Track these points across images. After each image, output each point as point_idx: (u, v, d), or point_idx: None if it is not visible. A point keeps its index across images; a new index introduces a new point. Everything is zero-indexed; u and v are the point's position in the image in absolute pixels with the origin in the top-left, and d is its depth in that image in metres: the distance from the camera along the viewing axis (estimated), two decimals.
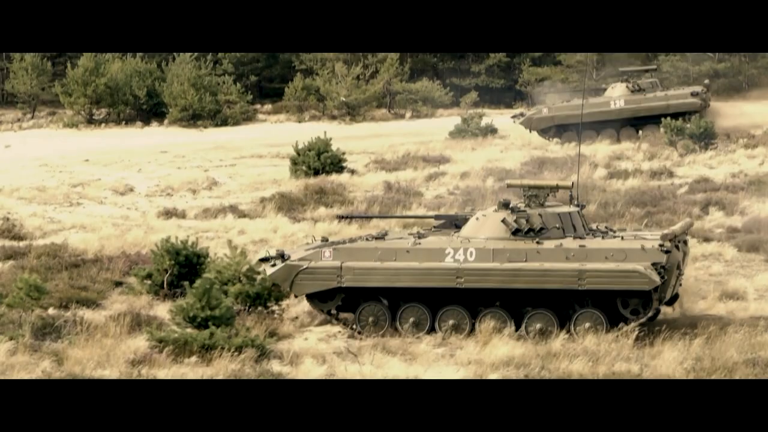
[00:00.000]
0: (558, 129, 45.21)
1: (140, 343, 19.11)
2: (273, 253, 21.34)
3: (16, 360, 18.23)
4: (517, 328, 20.11)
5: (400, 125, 57.81)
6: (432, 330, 20.47)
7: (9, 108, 67.85)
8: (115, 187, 40.43)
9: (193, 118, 59.38)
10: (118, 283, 25.14)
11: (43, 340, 19.52)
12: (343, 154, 40.14)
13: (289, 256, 20.94)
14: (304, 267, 20.68)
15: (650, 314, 19.80)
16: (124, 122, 60.96)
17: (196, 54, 61.02)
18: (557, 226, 20.23)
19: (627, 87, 44.76)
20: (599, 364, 17.42)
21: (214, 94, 59.68)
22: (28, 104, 64.22)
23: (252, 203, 34.73)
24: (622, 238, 20.24)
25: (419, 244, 20.55)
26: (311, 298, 21.12)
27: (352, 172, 39.88)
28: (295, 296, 21.61)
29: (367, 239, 21.31)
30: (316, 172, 38.89)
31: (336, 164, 39.35)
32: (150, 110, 61.85)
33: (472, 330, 20.33)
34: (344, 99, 58.53)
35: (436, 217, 22.98)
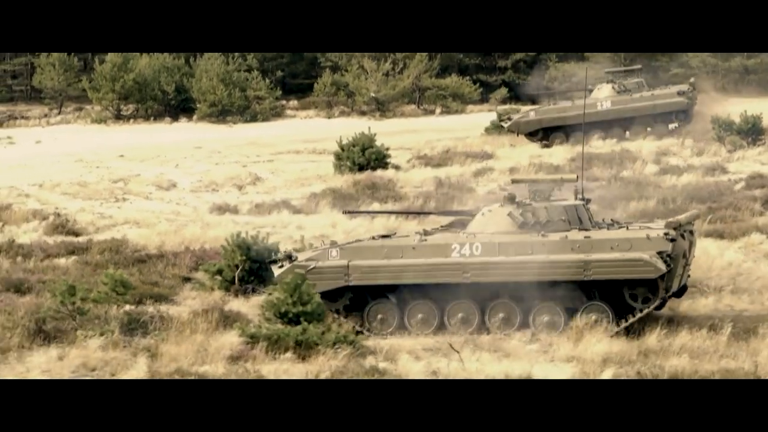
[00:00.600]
0: (545, 132, 44.97)
1: (231, 339, 18.94)
2: (281, 255, 21.54)
3: (109, 356, 18.10)
4: (524, 321, 20.23)
5: (430, 121, 57.63)
6: (441, 326, 20.52)
7: (34, 103, 67.74)
8: (158, 183, 40.35)
9: (222, 113, 59.19)
10: (186, 279, 25.02)
11: (131, 336, 19.37)
12: (387, 149, 39.97)
13: (296, 257, 21.04)
14: (312, 267, 20.72)
15: (657, 303, 19.82)
16: (152, 118, 60.75)
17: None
18: (563, 218, 20.42)
19: (613, 88, 44.49)
20: (703, 361, 17.26)
21: (243, 89, 59.47)
22: (55, 100, 64.02)
23: (302, 199, 34.58)
24: (627, 228, 20.37)
25: (425, 241, 20.63)
26: (319, 297, 20.79)
27: (396, 167, 39.73)
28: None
29: (373, 238, 21.45)
30: (361, 168, 38.73)
31: (380, 160, 39.23)
32: (178, 106, 61.66)
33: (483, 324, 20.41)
34: (374, 95, 58.35)
35: (443, 214, 23.21)
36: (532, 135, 45.37)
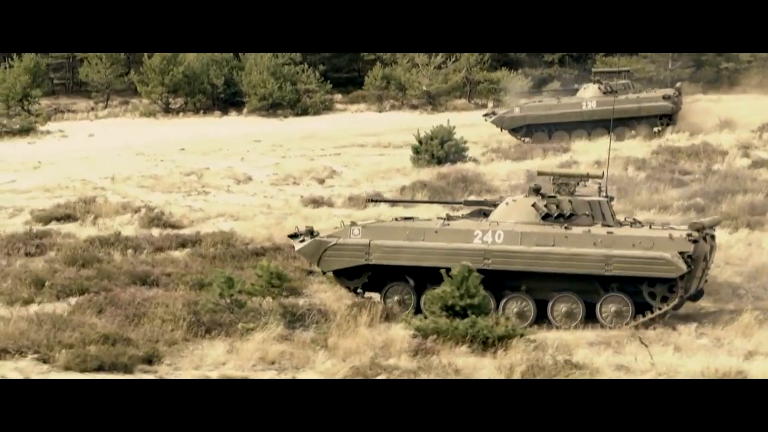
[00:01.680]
0: (529, 128, 44.85)
1: (396, 332, 18.69)
2: (302, 229, 21.85)
3: (285, 350, 17.83)
4: (541, 313, 20.43)
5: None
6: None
7: (75, 97, 67.39)
8: (233, 176, 40.07)
9: (272, 107, 58.88)
10: (308, 272, 24.75)
11: (292, 329, 19.12)
12: (465, 142, 39.70)
13: (318, 233, 21.41)
14: (333, 243, 21.11)
15: (675, 303, 19.94)
16: (201, 112, 60.42)
17: None
18: (587, 213, 20.59)
19: (599, 88, 44.43)
20: None
21: (294, 83, 59.15)
22: (102, 93, 63.66)
23: (391, 192, 34.29)
24: (651, 227, 20.57)
25: (448, 225, 20.88)
26: (338, 274, 21.47)
27: (475, 161, 39.47)
28: (323, 273, 21.95)
29: (396, 220, 21.76)
30: (439, 161, 38.46)
31: (459, 153, 38.95)
32: (226, 99, 61.35)
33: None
34: (426, 88, 58.03)
35: (466, 203, 23.39)
36: (515, 131, 45.34)
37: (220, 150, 47.89)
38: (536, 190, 21.00)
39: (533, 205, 20.69)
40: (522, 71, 60.57)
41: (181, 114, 60.51)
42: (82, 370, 16.54)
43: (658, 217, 27.98)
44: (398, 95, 59.80)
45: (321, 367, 16.62)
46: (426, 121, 50.64)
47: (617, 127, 43.01)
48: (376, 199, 26.71)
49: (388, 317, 19.86)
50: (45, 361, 16.93)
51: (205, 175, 40.97)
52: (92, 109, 63.23)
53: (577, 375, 15.76)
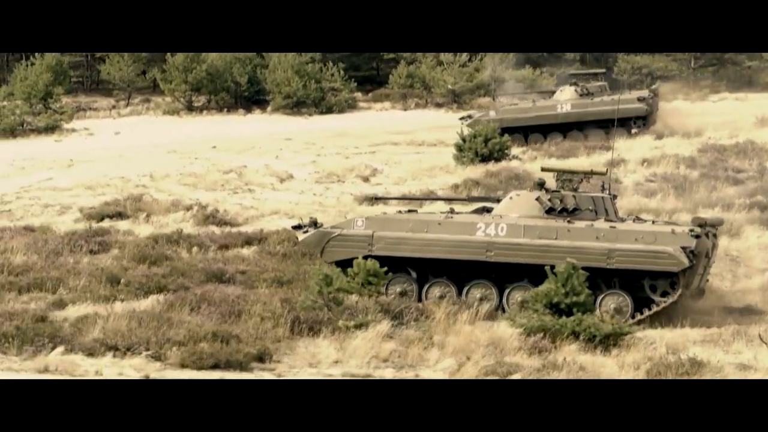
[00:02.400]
0: (504, 131, 44.62)
1: (502, 330, 18.54)
2: (306, 221, 22.19)
3: (397, 348, 17.64)
4: None
5: None
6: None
7: (94, 95, 67.14)
8: (275, 174, 39.88)
9: (297, 105, 58.67)
10: None
11: (393, 327, 18.94)
12: (508, 141, 39.55)
13: (321, 224, 21.72)
14: (336, 234, 21.38)
15: (675, 298, 20.02)
16: (225, 110, 60.18)
17: None
18: (590, 208, 20.82)
19: (575, 91, 44.33)
20: None
21: (318, 81, 58.95)
22: (124, 91, 63.38)
23: (443, 190, 34.12)
24: (653, 223, 20.85)
25: (451, 217, 21.05)
26: (341, 265, 21.45)
27: (518, 159, 39.33)
28: (326, 263, 21.93)
29: (399, 212, 22.04)
30: (483, 159, 38.31)
31: (502, 151, 38.81)
32: (249, 98, 61.13)
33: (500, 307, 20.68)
34: (451, 87, 57.88)
35: (470, 200, 23.59)
36: None
37: (252, 148, 47.68)
38: (540, 185, 21.29)
39: (537, 199, 20.93)
40: (547, 70, 60.46)
41: (204, 112, 60.20)
42: (199, 368, 16.37)
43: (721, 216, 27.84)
44: (423, 94, 59.61)
45: (440, 366, 16.43)
46: (453, 120, 50.55)
47: (593, 129, 43.03)
48: (380, 197, 26.82)
49: (488, 316, 19.58)
50: (158, 359, 16.72)
51: (245, 172, 40.77)
52: (114, 107, 62.96)
53: (704, 374, 15.60)
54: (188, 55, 59.44)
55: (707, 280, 21.20)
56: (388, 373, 16.26)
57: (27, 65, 60.49)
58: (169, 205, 33.11)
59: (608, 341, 17.65)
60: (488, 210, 21.80)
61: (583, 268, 19.66)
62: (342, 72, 59.82)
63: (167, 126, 57.43)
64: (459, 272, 20.88)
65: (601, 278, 20.23)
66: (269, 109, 59.74)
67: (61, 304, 21.01)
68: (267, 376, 16.19)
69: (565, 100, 44.22)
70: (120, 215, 32.25)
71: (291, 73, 58.44)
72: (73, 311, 20.38)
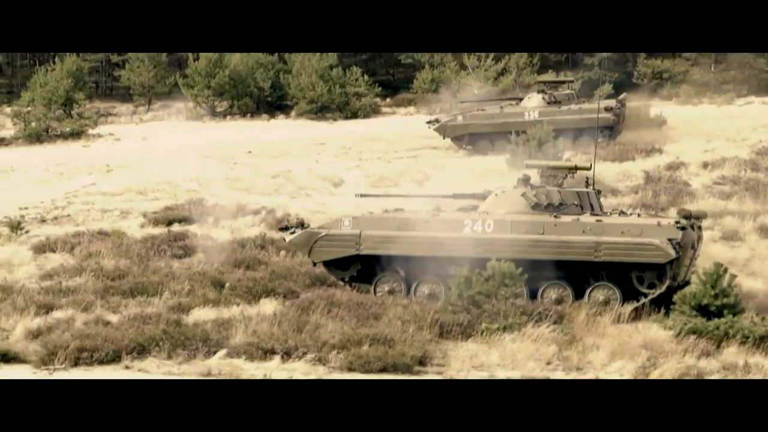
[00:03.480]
0: (471, 137, 44.72)
1: (654, 333, 18.32)
2: (293, 222, 22.45)
3: (549, 350, 17.43)
4: (533, 297, 20.54)
5: None
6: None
7: (110, 99, 66.64)
8: (326, 178, 39.59)
9: (321, 110, 58.35)
10: None
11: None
12: (560, 142, 39.30)
13: (308, 224, 21.80)
14: (324, 234, 21.50)
15: (663, 290, 20.12)
16: (248, 115, 59.81)
17: None
18: (575, 203, 21.00)
19: (543, 98, 44.19)
20: None
21: (342, 86, 58.68)
22: (144, 96, 62.90)
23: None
24: (639, 216, 21.16)
25: (438, 215, 21.22)
26: (329, 265, 21.76)
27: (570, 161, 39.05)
28: (314, 263, 22.15)
29: (386, 211, 22.13)
30: None
31: (556, 155, 38.54)
32: (272, 103, 60.81)
33: None
34: (476, 92, 57.64)
35: (455, 196, 23.53)
36: (458, 139, 45.10)
37: (288, 153, 47.38)
38: (525, 181, 21.38)
39: (523, 195, 21.04)
40: (569, 73, 60.41)
41: (228, 117, 59.79)
42: (366, 371, 16.11)
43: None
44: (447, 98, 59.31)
45: (611, 368, 16.21)
46: None
47: (559, 138, 42.84)
48: (365, 194, 26.86)
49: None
50: (321, 362, 16.44)
51: (292, 177, 40.46)
52: (134, 112, 62.47)
53: None
54: (210, 60, 59.09)
55: (693, 272, 21.20)
56: (557, 375, 16.00)
57: (46, 70, 59.97)
58: (234, 209, 32.72)
59: (763, 343, 17.45)
60: (476, 207, 21.97)
61: (571, 262, 20.11)
62: (366, 77, 59.49)
63: (192, 131, 56.98)
64: (447, 269, 20.81)
65: (588, 271, 20.44)
66: (293, 114, 59.40)
67: (181, 309, 20.69)
68: (433, 377, 15.92)
69: (532, 108, 44.04)
70: (186, 220, 31.86)
71: (315, 78, 58.15)
72: (200, 315, 20.09)
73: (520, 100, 45.98)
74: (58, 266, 25.19)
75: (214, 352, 16.84)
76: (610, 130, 43.49)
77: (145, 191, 38.46)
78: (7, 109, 58.49)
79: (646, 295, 20.16)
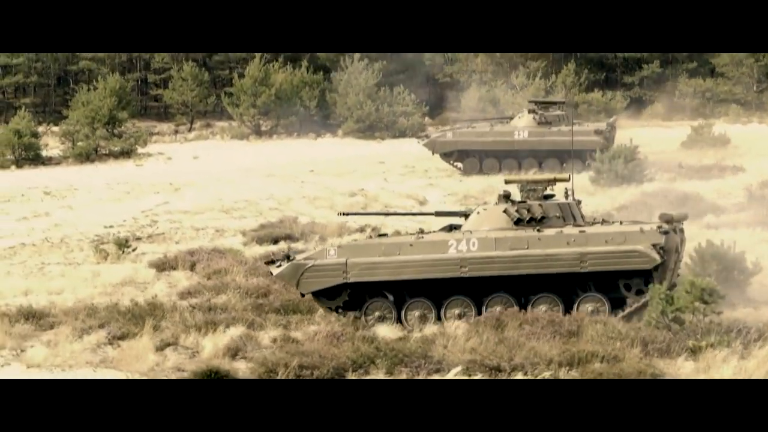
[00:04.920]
0: (460, 154, 44.48)
1: None
2: (279, 255, 22.50)
3: None
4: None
5: None
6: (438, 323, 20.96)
7: (144, 119, 66.10)
8: (409, 196, 39.23)
9: (369, 129, 58.05)
10: None
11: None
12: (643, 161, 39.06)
13: (294, 256, 21.74)
14: (310, 265, 21.33)
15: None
16: (295, 133, 59.44)
17: (365, 63, 59.71)
18: (558, 215, 21.05)
19: (534, 118, 43.67)
20: None
21: (390, 105, 58.41)
22: (186, 115, 62.48)
23: (608, 210, 33.47)
24: (621, 223, 21.34)
25: (422, 238, 21.22)
26: (317, 295, 21.61)
27: (649, 179, 38.78)
28: (302, 295, 21.98)
29: (370, 237, 22.25)
30: (623, 181, 37.82)
31: (641, 172, 38.36)
32: (317, 121, 60.49)
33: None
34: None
35: (437, 214, 23.66)
36: (447, 156, 44.86)
37: (354, 171, 47.01)
38: (506, 197, 21.44)
39: (505, 211, 21.07)
40: (620, 92, 60.41)
41: (274, 136, 59.40)
42: None
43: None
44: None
45: None
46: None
47: (548, 159, 42.65)
48: (347, 213, 26.60)
49: None
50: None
51: (370, 195, 40.08)
52: (176, 131, 62.04)
53: None
54: (256, 78, 58.76)
55: (678, 275, 21.32)
56: None
57: (88, 89, 59.53)
58: (334, 227, 32.29)
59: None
60: (454, 227, 22.07)
61: (557, 274, 20.20)
62: (413, 96, 59.23)
63: (241, 150, 56.64)
64: (435, 291, 21.04)
65: (576, 283, 20.53)
66: (340, 132, 59.02)
67: (356, 326, 20.34)
68: None
69: (522, 127, 43.57)
70: (289, 237, 31.43)
71: (363, 96, 57.82)
72: (381, 331, 19.77)
73: (511, 119, 45.64)
74: (196, 284, 24.71)
75: (437, 370, 16.41)
76: (601, 153, 43.19)
77: (228, 209, 38.03)
78: (54, 128, 57.84)
79: (634, 302, 20.28)
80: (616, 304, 20.51)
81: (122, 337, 20.15)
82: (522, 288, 20.72)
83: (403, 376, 16.31)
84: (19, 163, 53.41)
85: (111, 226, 35.89)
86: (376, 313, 21.33)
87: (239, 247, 30.73)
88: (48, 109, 66.22)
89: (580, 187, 38.58)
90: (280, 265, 21.66)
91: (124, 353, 18.65)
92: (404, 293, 21.25)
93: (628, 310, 20.28)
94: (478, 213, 21.62)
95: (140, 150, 55.13)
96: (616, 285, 20.44)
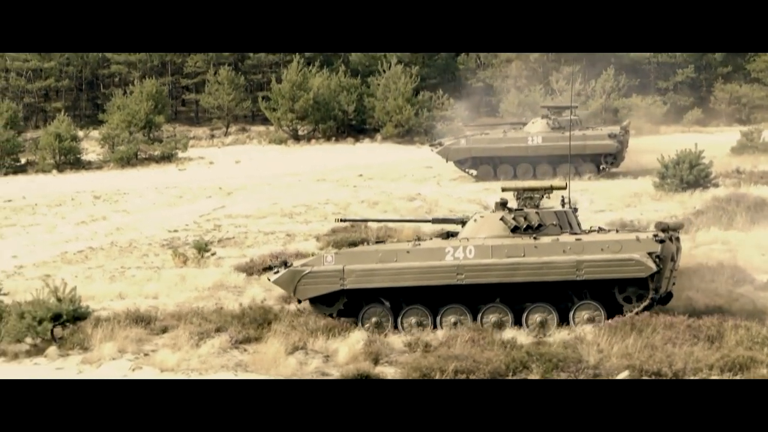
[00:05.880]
0: (474, 161, 44.30)
1: None
2: (277, 262, 22.53)
3: None
4: (517, 322, 20.60)
5: (638, 142, 55.86)
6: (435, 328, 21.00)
7: (175, 123, 65.65)
8: (474, 201, 38.89)
9: (408, 133, 57.75)
10: None
11: None
12: (710, 166, 38.72)
13: (291, 263, 21.75)
14: (308, 271, 21.38)
15: (646, 303, 20.23)
16: (333, 138, 59.09)
17: (401, 67, 59.42)
18: (554, 223, 21.08)
19: (547, 123, 43.62)
20: None
21: (430, 110, 58.13)
22: (222, 120, 62.14)
23: (677, 218, 33.07)
24: (617, 232, 21.38)
25: (419, 245, 21.28)
26: (314, 302, 21.58)
27: (715, 185, 38.48)
28: (299, 301, 22.04)
29: (367, 244, 22.30)
30: (688, 186, 37.50)
31: (707, 178, 38.05)
32: (354, 126, 60.18)
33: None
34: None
35: (434, 221, 23.87)
36: (461, 163, 44.68)
37: (405, 176, 46.72)
38: (503, 205, 21.43)
39: (501, 219, 21.07)
40: (660, 98, 60.13)
41: (313, 141, 59.03)
42: None
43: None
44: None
45: None
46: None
47: (562, 164, 42.46)
48: (346, 219, 27.08)
49: None
50: None
51: (429, 200, 39.75)
52: (212, 135, 61.68)
53: None
54: (294, 83, 58.40)
55: (674, 283, 21.28)
56: None
57: (124, 93, 59.22)
58: (410, 231, 31.93)
59: None
60: (451, 234, 22.08)
61: (553, 282, 20.11)
62: (452, 100, 58.94)
63: (282, 154, 56.35)
64: (432, 298, 20.99)
65: (572, 291, 20.45)
66: (379, 137, 58.71)
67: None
68: None
69: (536, 133, 43.43)
70: (365, 242, 31.01)
71: (402, 101, 57.53)
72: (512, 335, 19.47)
73: (524, 125, 45.44)
74: None
75: (595, 375, 16.10)
76: (614, 157, 42.87)
77: (290, 214, 37.73)
78: (94, 133, 57.52)
79: (631, 310, 20.19)
80: (612, 312, 20.37)
81: (245, 341, 19.86)
82: (518, 295, 20.69)
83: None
84: (60, 167, 53.01)
85: (175, 231, 35.63)
86: (373, 320, 21.27)
87: (316, 251, 30.38)
88: (79, 113, 65.78)
89: (644, 191, 38.62)
90: (277, 272, 21.67)
91: (258, 357, 18.39)
92: (401, 300, 21.22)
93: (626, 316, 20.05)
94: (475, 220, 21.57)
95: (180, 154, 54.73)
96: (612, 293, 20.35)
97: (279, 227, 35.31)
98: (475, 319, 20.66)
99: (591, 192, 39.90)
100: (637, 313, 19.92)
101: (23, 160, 54.78)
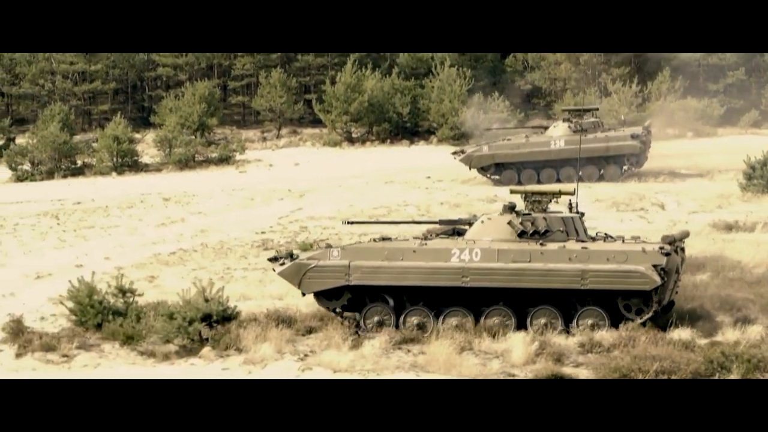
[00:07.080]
0: (497, 167, 44.08)
1: None
2: (283, 253, 22.32)
3: None
4: (519, 327, 20.43)
5: (691, 144, 55.71)
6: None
7: (222, 125, 65.40)
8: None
9: (463, 136, 57.41)
10: None
11: None
12: None
13: (297, 255, 21.67)
14: (313, 265, 21.31)
15: (650, 315, 20.10)
16: (388, 140, 58.79)
17: (455, 69, 59.15)
18: (561, 229, 20.92)
19: (569, 127, 43.35)
20: None
21: (486, 112, 57.79)
22: (275, 122, 61.87)
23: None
24: (623, 241, 20.98)
25: (425, 245, 20.98)
26: (318, 296, 21.56)
27: None
28: (303, 294, 21.92)
29: (374, 241, 22.01)
30: None
31: None
32: (408, 128, 59.88)
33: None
34: (624, 117, 56.78)
35: (441, 222, 23.57)
36: (484, 170, 44.51)
37: (474, 177, 46.34)
38: (511, 208, 21.20)
39: (509, 223, 20.87)
40: (716, 99, 59.77)
41: (367, 143, 58.73)
42: None
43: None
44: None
45: None
46: (660, 148, 48.70)
47: (586, 166, 42.14)
48: (352, 221, 26.76)
49: None
50: None
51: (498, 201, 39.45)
52: (265, 138, 61.43)
53: None
54: (348, 85, 58.13)
55: (677, 292, 21.23)
56: None
57: (175, 96, 59.00)
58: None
59: None
60: (459, 232, 22.01)
61: (558, 290, 19.98)
62: (508, 102, 58.63)
63: (338, 156, 56.07)
64: (436, 298, 20.88)
65: (575, 298, 20.34)
66: (434, 139, 58.38)
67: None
68: None
69: (558, 137, 43.17)
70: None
71: (458, 103, 57.23)
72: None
73: (546, 128, 45.17)
74: None
75: None
76: (636, 157, 42.63)
77: (373, 216, 37.37)
78: (150, 135, 57.28)
79: (633, 321, 20.02)
80: (615, 318, 20.26)
81: (404, 342, 19.57)
82: (522, 300, 20.55)
83: None
84: (118, 170, 52.73)
85: (263, 232, 35.27)
86: (375, 318, 21.24)
87: None
88: (126, 116, 65.55)
89: (729, 192, 38.26)
90: (283, 263, 21.61)
91: (431, 358, 18.04)
92: (404, 299, 21.13)
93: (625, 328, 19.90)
94: (482, 222, 21.39)
95: (237, 156, 54.45)
96: (615, 302, 20.17)
97: (367, 229, 34.95)
98: (477, 321, 20.56)
99: (674, 193, 39.61)
100: (640, 324, 19.77)
101: (79, 162, 54.52)
